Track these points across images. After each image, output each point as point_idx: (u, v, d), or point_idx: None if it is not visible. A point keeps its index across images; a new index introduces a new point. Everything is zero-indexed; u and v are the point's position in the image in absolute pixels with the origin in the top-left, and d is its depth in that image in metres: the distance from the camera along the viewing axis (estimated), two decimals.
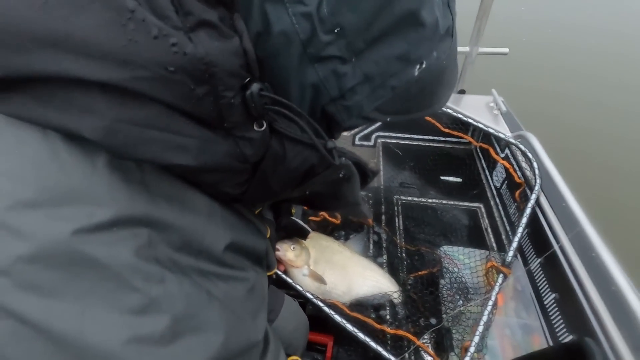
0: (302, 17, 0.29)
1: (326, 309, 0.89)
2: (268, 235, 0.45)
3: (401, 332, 0.89)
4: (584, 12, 5.78)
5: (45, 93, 0.25)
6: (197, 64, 0.26)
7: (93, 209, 0.26)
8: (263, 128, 0.31)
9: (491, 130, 1.22)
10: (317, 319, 0.96)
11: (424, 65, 0.34)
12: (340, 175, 0.38)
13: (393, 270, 1.16)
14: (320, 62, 0.31)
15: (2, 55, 0.24)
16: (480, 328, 0.83)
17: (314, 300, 0.92)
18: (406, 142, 1.69)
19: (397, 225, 1.31)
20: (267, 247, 0.44)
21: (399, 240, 1.25)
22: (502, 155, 1.30)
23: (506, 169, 1.25)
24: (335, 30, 0.29)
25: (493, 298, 0.89)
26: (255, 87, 0.29)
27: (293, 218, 0.98)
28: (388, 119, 0.39)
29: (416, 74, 0.35)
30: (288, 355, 0.48)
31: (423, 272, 1.09)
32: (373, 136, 1.72)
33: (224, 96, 0.28)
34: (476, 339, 0.81)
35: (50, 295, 0.24)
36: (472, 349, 0.80)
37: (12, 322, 0.23)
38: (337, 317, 0.88)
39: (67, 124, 0.26)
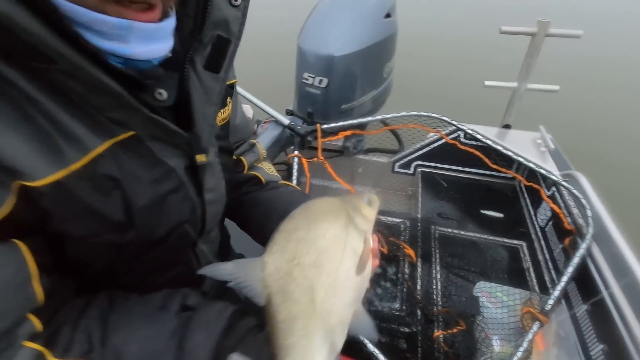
0: None
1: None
2: None
3: None
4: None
5: None
6: None
7: None
8: None
9: (541, 171, 1.19)
10: (347, 343, 0.96)
11: None
12: None
13: (427, 299, 1.15)
14: None
15: None
16: None
17: None
18: (446, 172, 1.68)
19: (433, 255, 1.30)
20: None
21: (434, 271, 1.24)
22: (548, 193, 1.26)
23: (552, 209, 1.21)
24: None
25: (525, 345, 0.86)
26: None
27: None
28: None
29: None
30: None
31: (457, 328, 1.06)
32: (413, 164, 1.73)
33: None
34: None
35: None
36: None
37: None
38: (371, 346, 0.88)
39: None
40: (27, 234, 0.36)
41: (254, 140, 0.72)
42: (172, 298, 0.45)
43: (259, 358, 0.41)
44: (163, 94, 0.41)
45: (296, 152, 1.36)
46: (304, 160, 1.33)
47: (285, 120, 1.46)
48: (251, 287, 0.41)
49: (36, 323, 0.37)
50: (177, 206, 0.46)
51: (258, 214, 0.64)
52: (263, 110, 1.49)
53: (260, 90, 1.53)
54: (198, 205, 0.49)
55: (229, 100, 0.58)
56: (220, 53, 0.47)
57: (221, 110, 0.55)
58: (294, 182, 1.27)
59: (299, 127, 1.43)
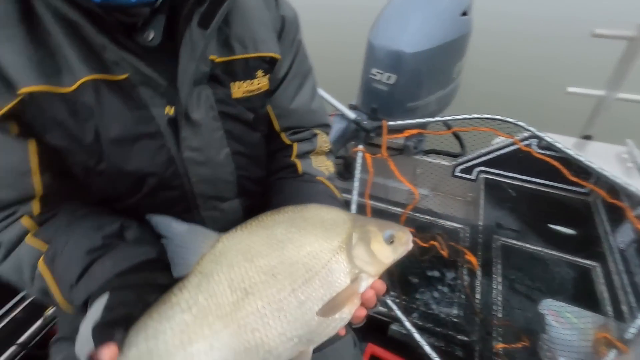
0: None
1: (418, 336, 0.89)
2: None
3: None
4: None
5: None
6: None
7: None
8: None
9: (630, 189, 1.09)
10: (400, 343, 0.96)
11: None
12: None
13: (487, 310, 1.11)
14: None
15: None
16: None
17: (404, 320, 0.92)
18: (510, 181, 1.60)
19: (494, 265, 1.25)
20: None
21: (495, 282, 1.19)
22: (635, 213, 1.15)
23: (638, 231, 1.11)
24: None
25: None
26: None
27: None
28: None
29: None
30: None
31: (521, 343, 1.01)
32: (475, 170, 1.67)
33: None
34: None
35: None
36: None
37: None
38: (428, 348, 0.87)
39: None
40: (32, 136, 0.44)
41: (317, 131, 0.68)
42: (112, 223, 0.47)
43: (124, 311, 0.37)
44: (150, 34, 0.44)
45: (360, 147, 1.36)
46: (367, 155, 1.33)
47: (352, 115, 1.46)
48: (184, 256, 0.36)
49: (35, 207, 0.47)
50: (151, 152, 0.49)
51: (277, 201, 0.60)
52: (330, 103, 1.50)
53: (322, 83, 1.54)
54: (179, 160, 0.50)
55: (260, 73, 0.55)
56: (214, 10, 0.47)
57: (249, 82, 0.54)
58: (357, 176, 1.28)
59: (365, 122, 1.43)
